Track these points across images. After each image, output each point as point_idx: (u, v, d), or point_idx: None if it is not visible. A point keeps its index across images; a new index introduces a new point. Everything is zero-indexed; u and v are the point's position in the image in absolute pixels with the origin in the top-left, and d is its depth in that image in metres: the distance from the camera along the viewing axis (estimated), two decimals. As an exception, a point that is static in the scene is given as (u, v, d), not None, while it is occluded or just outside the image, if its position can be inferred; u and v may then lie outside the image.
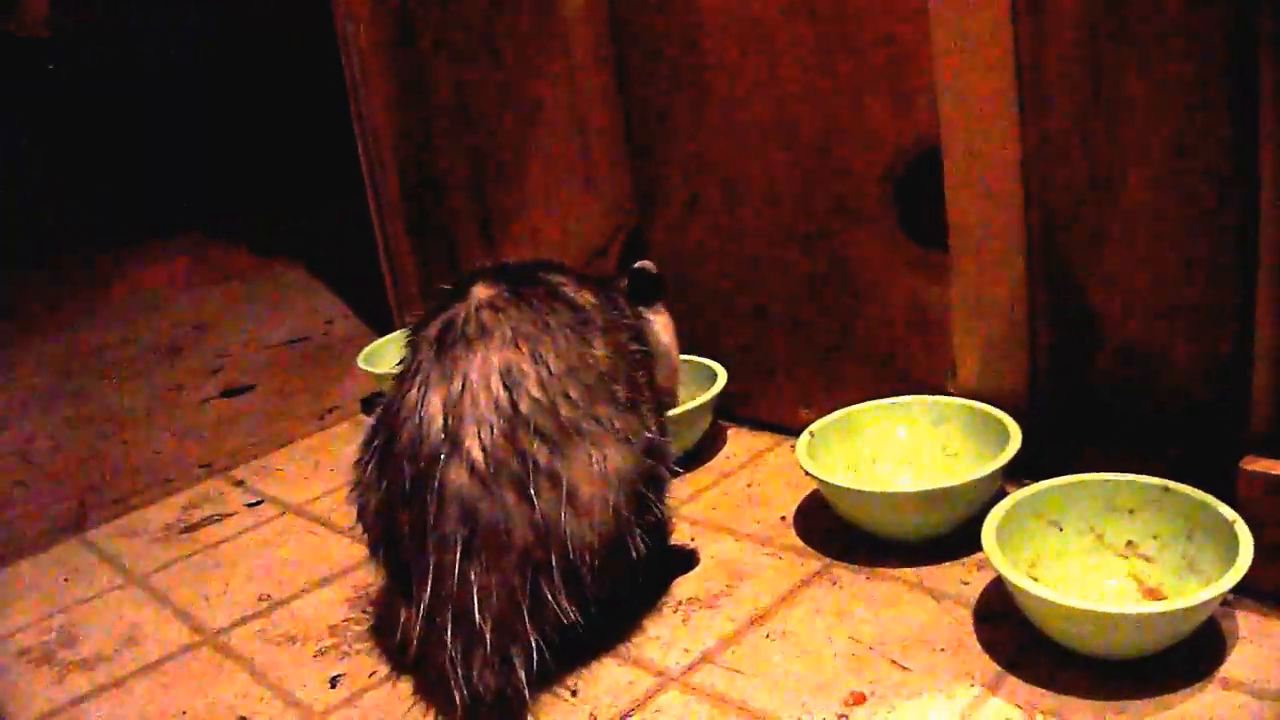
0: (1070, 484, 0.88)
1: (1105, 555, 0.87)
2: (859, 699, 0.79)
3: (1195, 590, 0.77)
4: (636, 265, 1.05)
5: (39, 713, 0.93)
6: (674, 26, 1.15)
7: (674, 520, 1.05)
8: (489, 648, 0.78)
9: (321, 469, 1.33)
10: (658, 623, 0.91)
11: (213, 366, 1.81)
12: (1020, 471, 0.95)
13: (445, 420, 0.80)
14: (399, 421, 0.82)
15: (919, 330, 1.07)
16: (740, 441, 1.22)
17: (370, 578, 1.02)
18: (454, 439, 0.79)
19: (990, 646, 0.82)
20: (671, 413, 1.06)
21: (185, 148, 2.91)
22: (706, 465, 1.18)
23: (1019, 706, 0.75)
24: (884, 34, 1.00)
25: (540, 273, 0.91)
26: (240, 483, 1.33)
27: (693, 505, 1.10)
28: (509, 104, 1.35)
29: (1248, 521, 0.79)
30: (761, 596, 0.93)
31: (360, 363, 1.42)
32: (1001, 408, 1.00)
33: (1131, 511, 0.86)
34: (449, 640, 0.78)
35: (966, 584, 0.90)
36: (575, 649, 0.85)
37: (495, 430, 0.79)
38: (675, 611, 0.92)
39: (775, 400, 1.21)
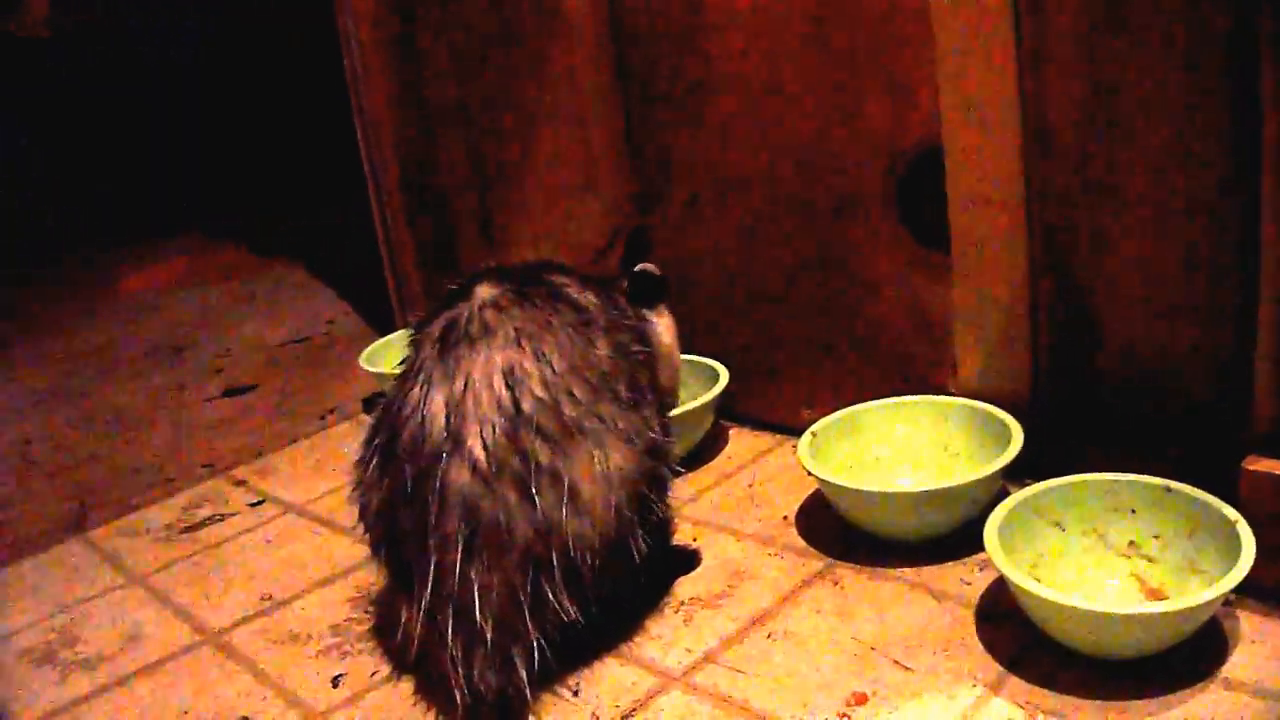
0: (1072, 484, 0.88)
1: (1107, 555, 0.87)
2: (861, 699, 0.79)
3: (1197, 590, 0.77)
4: (639, 267, 1.05)
5: (41, 712, 0.93)
6: (675, 26, 1.15)
7: (676, 520, 1.05)
8: (490, 647, 0.79)
9: (323, 469, 1.34)
10: (659, 622, 0.91)
11: (214, 366, 1.81)
12: (1022, 471, 0.95)
13: (447, 419, 0.80)
14: (401, 420, 0.82)
15: (921, 330, 1.07)
16: (742, 441, 1.22)
17: (372, 577, 1.02)
18: (456, 438, 0.79)
19: (992, 646, 0.82)
20: (673, 413, 1.06)
21: (185, 148, 2.91)
22: (708, 465, 1.18)
23: (1021, 706, 0.75)
24: (885, 33, 1.00)
25: (543, 273, 0.91)
26: (242, 482, 1.33)
27: (694, 505, 1.10)
28: (510, 103, 1.35)
29: (1249, 521, 0.79)
30: (763, 596, 0.93)
31: (362, 362, 1.42)
32: (1003, 407, 1.00)
33: (1133, 511, 0.86)
34: (450, 639, 0.79)
35: (968, 584, 0.90)
36: (577, 648, 0.85)
37: (497, 429, 0.79)
38: (677, 611, 0.93)
39: (777, 400, 1.21)
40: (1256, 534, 0.77)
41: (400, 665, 0.90)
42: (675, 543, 1.02)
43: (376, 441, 0.86)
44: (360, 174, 1.57)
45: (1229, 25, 0.79)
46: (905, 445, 1.06)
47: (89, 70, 2.84)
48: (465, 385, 0.80)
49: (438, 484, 0.79)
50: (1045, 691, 0.76)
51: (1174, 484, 0.84)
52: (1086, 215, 0.91)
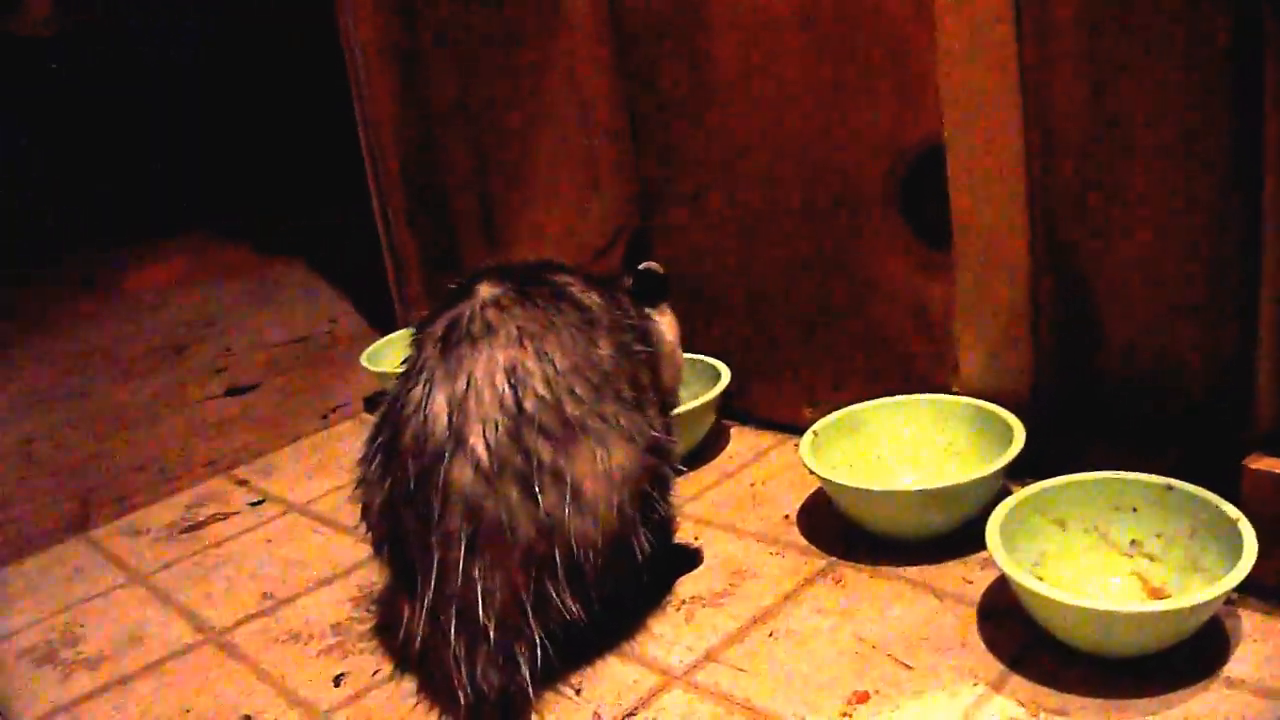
0: (1074, 482, 0.88)
1: (1109, 554, 0.87)
2: (862, 698, 0.79)
3: (1199, 589, 0.77)
4: (642, 266, 1.05)
5: (42, 711, 0.93)
6: (677, 25, 1.15)
7: (678, 519, 1.05)
8: (493, 646, 0.79)
9: (325, 468, 1.33)
10: (661, 621, 0.91)
11: (216, 366, 1.81)
12: (1024, 470, 0.95)
13: (450, 417, 0.80)
14: (403, 419, 0.82)
15: (922, 328, 1.07)
16: (744, 440, 1.22)
17: (373, 576, 1.02)
18: (458, 436, 0.79)
19: (994, 645, 0.82)
20: (675, 411, 1.06)
21: (185, 147, 2.91)
22: (710, 464, 1.18)
23: (1022, 705, 0.76)
24: (887, 31, 1.00)
25: (546, 272, 0.91)
26: (243, 482, 1.33)
27: (696, 504, 1.10)
28: (512, 102, 1.35)
29: (1251, 520, 0.79)
30: (765, 595, 0.93)
31: (364, 361, 1.42)
32: (1005, 406, 1.00)
33: (1135, 510, 0.86)
34: (453, 638, 0.79)
35: (970, 582, 0.90)
36: (579, 647, 0.85)
37: (500, 428, 0.79)
38: (679, 610, 0.93)
39: (779, 399, 1.21)
40: (1258, 533, 0.77)
41: (402, 664, 0.90)
42: (677, 541, 1.02)
43: (379, 440, 0.85)
44: (361, 173, 1.57)
45: (1230, 24, 0.79)
46: (907, 444, 1.06)
47: (89, 70, 2.84)
48: (467, 384, 0.80)
49: (440, 483, 0.79)
50: (1047, 690, 0.76)
51: (1176, 482, 0.84)
52: (1088, 214, 0.91)
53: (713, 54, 1.13)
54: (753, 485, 1.12)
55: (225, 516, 1.24)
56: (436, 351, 0.83)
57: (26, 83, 2.80)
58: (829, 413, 1.06)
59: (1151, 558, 0.85)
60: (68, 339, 2.10)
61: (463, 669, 0.79)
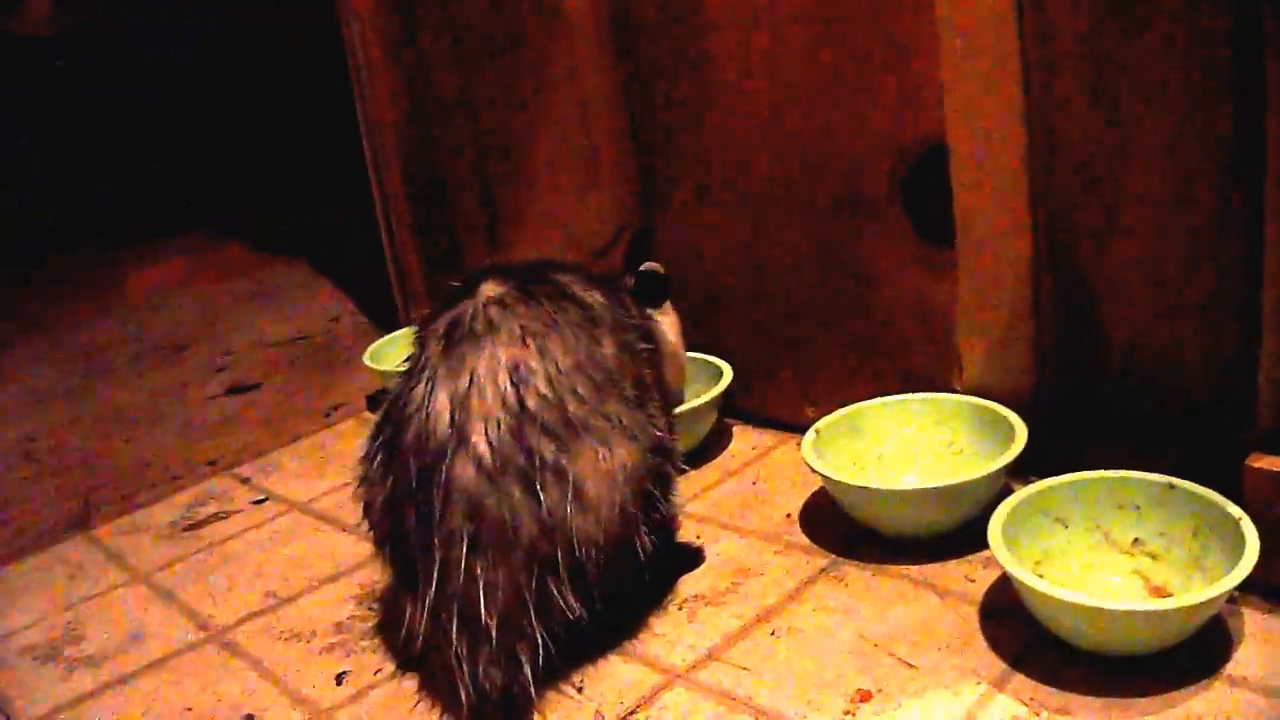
0: (1076, 481, 0.88)
1: (1111, 552, 0.87)
2: (865, 696, 0.79)
3: (1201, 587, 0.77)
4: (644, 266, 1.05)
5: (44, 710, 0.93)
6: (677, 24, 1.15)
7: (680, 517, 1.05)
8: (495, 644, 0.79)
9: (327, 466, 1.34)
10: (664, 620, 0.91)
11: (217, 364, 1.81)
12: (1026, 469, 0.95)
13: (452, 416, 0.80)
14: (405, 417, 0.83)
15: (924, 327, 1.07)
16: (746, 439, 1.22)
17: (376, 575, 1.02)
18: (461, 434, 0.79)
19: (996, 643, 0.82)
20: (677, 410, 1.06)
21: (186, 147, 2.91)
22: (712, 463, 1.18)
23: (1025, 703, 0.76)
24: (890, 30, 1.00)
25: (548, 271, 0.91)
26: (245, 480, 1.33)
27: (698, 502, 1.10)
28: (513, 102, 1.36)
29: (1253, 519, 0.79)
30: (767, 594, 0.93)
31: (366, 360, 1.42)
32: (1007, 405, 1.00)
33: (1137, 509, 0.86)
34: (455, 637, 0.79)
35: (972, 581, 0.90)
36: (581, 646, 0.85)
37: (502, 426, 0.79)
38: (681, 609, 0.93)
39: (780, 397, 1.21)
40: (1260, 531, 0.78)
41: (404, 663, 0.90)
42: (679, 540, 1.02)
43: (381, 439, 0.86)
44: (362, 172, 1.57)
45: (1230, 24, 0.79)
46: (909, 442, 1.06)
47: (89, 70, 2.84)
48: (470, 382, 0.80)
49: (442, 480, 0.79)
50: (1049, 689, 0.76)
51: (1178, 481, 0.85)
52: (1089, 213, 0.92)
53: (713, 53, 1.13)
54: (755, 484, 1.12)
55: (227, 515, 1.24)
56: (439, 350, 0.83)
57: (26, 83, 2.80)
58: (831, 411, 1.06)
59: (1153, 556, 0.86)
60: (68, 339, 2.10)
61: (465, 667, 0.79)
